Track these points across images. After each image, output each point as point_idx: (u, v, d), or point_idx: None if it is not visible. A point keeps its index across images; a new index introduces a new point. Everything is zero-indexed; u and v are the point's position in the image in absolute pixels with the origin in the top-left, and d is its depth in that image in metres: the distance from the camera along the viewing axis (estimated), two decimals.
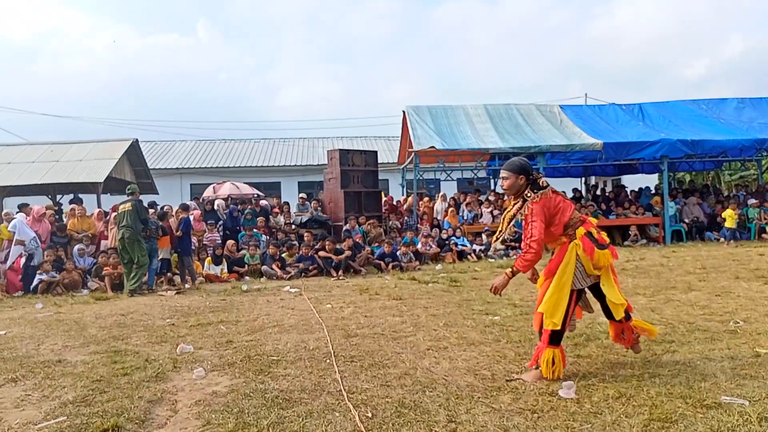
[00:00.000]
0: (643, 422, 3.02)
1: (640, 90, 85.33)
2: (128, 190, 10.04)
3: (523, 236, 3.97)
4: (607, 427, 2.98)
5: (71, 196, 15.78)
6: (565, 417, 3.15)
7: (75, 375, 4.36)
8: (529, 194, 3.93)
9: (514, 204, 4.06)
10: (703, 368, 3.89)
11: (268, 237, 13.00)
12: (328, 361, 4.50)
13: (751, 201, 15.22)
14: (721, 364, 3.97)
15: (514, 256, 12.73)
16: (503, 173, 4.06)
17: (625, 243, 14.46)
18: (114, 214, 11.06)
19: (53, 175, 15.11)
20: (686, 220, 15.07)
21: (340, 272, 10.74)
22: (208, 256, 11.41)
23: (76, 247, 11.13)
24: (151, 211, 10.97)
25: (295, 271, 10.88)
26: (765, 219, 14.36)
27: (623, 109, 16.78)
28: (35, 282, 9.78)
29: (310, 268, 11.08)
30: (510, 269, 3.87)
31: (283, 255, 11.59)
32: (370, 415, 3.30)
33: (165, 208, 12.85)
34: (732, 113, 16.17)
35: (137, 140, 17.71)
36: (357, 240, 12.31)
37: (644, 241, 14.49)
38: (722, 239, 13.87)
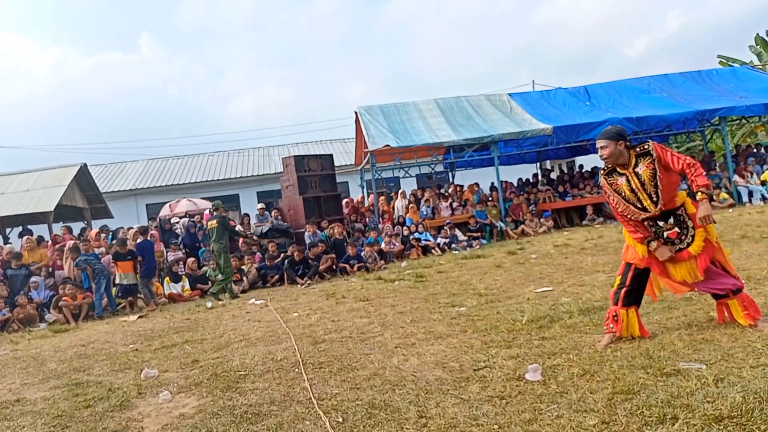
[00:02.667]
0: (608, 396, 3.08)
1: (586, 73, 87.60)
2: (213, 206, 11.16)
3: (684, 166, 3.83)
4: (573, 405, 3.03)
5: (21, 228, 15.26)
6: (533, 400, 3.19)
7: (35, 413, 4.21)
8: (642, 148, 3.93)
9: (641, 167, 3.91)
10: (661, 337, 4.00)
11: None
12: (296, 370, 4.46)
13: None
14: (678, 331, 4.09)
15: (477, 247, 12.88)
16: (601, 143, 3.99)
17: (583, 222, 14.79)
18: (70, 243, 10.91)
19: (0, 208, 14.57)
20: None
21: (306, 279, 10.66)
22: (167, 276, 11.18)
23: (31, 279, 10.75)
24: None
25: (251, 277, 10.97)
26: (713, 187, 14.89)
27: (570, 92, 17.15)
28: None
29: (269, 276, 11.07)
30: (703, 194, 3.74)
31: (242, 267, 11.47)
32: (341, 419, 3.29)
33: (121, 233, 12.56)
34: (674, 88, 16.70)
35: (86, 164, 17.25)
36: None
37: (601, 219, 14.84)
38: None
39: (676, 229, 3.92)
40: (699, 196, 3.79)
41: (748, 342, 3.62)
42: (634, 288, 4.06)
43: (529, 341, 4.38)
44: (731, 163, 15.25)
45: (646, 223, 4.00)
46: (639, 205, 3.93)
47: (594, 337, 4.26)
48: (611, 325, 4.05)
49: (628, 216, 4.01)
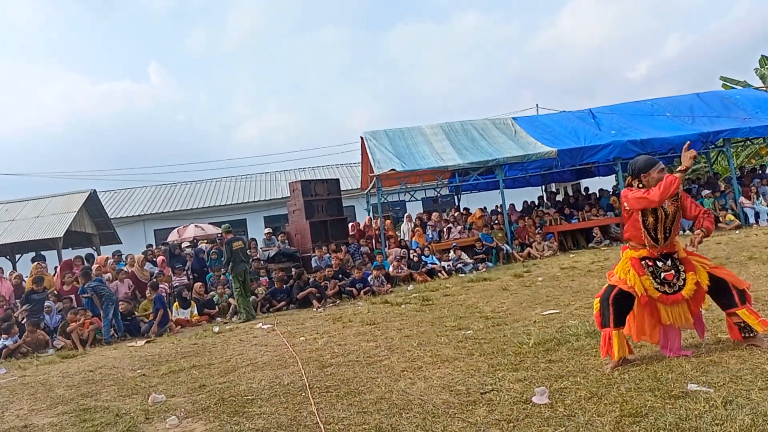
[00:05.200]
0: (615, 419, 3.07)
1: (588, 97, 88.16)
2: (225, 229, 11.28)
3: (699, 213, 4.12)
4: (581, 428, 3.03)
5: (32, 254, 15.37)
6: (540, 423, 3.18)
7: None
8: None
9: (667, 203, 4.05)
10: (669, 360, 3.99)
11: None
12: (303, 394, 4.46)
13: (705, 192, 15.75)
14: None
15: (483, 270, 12.86)
16: (662, 166, 4.08)
17: (590, 245, 14.76)
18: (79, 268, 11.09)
19: (10, 234, 14.74)
20: None
21: (323, 302, 10.66)
22: (176, 301, 11.21)
23: (45, 304, 10.81)
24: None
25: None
26: (719, 208, 14.86)
27: (575, 115, 17.26)
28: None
29: (276, 301, 11.10)
30: (702, 232, 4.04)
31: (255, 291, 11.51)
32: None
33: (129, 258, 12.64)
34: (677, 110, 16.78)
35: (95, 191, 17.46)
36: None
37: (608, 241, 14.80)
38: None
39: (672, 271, 4.08)
40: (697, 231, 4.08)
41: (757, 364, 3.61)
42: (620, 308, 4.11)
43: (536, 364, 4.37)
44: (737, 184, 15.24)
45: (644, 262, 4.13)
46: (653, 235, 4.08)
47: (601, 359, 4.25)
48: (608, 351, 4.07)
49: (641, 241, 4.12)
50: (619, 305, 4.07)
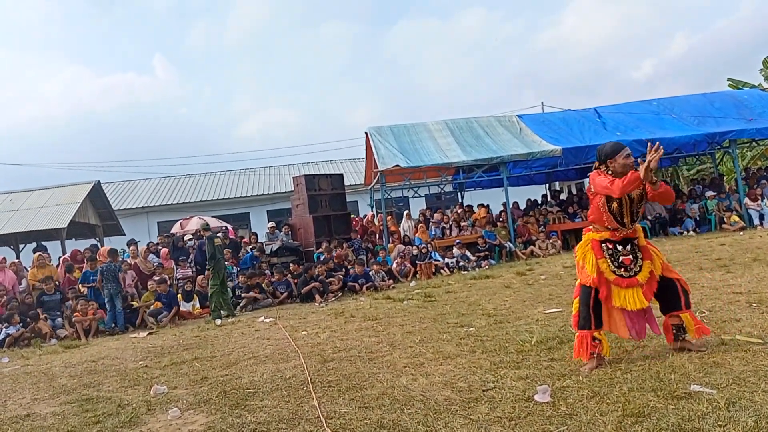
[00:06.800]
0: (617, 419, 3.07)
1: (591, 95, 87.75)
2: (205, 227, 11.74)
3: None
4: (583, 427, 3.02)
5: (34, 244, 15.42)
6: (542, 421, 3.18)
7: (44, 428, 4.24)
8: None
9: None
10: (672, 360, 3.98)
11: (238, 269, 12.86)
12: (305, 388, 4.46)
13: (709, 193, 15.70)
14: (689, 354, 4.06)
15: (486, 267, 12.85)
16: (629, 151, 4.12)
17: None
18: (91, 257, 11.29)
19: (14, 224, 14.79)
20: (649, 217, 15.42)
21: (325, 297, 10.67)
22: (178, 294, 11.23)
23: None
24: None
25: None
26: (723, 210, 14.81)
27: (579, 113, 17.20)
28: (1, 336, 9.46)
29: (279, 293, 11.10)
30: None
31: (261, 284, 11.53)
32: None
33: (131, 248, 12.66)
34: (682, 110, 16.70)
35: (99, 182, 17.48)
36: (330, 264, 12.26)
37: None
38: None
39: (630, 257, 4.15)
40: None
41: (761, 366, 3.60)
42: (599, 310, 4.16)
43: (538, 362, 4.37)
44: (742, 185, 15.18)
45: (606, 245, 4.19)
46: (619, 219, 4.15)
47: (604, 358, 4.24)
48: (593, 351, 4.09)
49: (604, 224, 4.20)
50: (598, 307, 4.15)
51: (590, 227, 4.38)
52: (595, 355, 4.06)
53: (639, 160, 3.99)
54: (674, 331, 4.14)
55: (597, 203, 4.19)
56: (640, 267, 4.11)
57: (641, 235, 4.25)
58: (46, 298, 10.50)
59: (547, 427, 3.09)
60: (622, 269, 4.11)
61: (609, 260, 4.14)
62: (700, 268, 8.39)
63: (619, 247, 4.16)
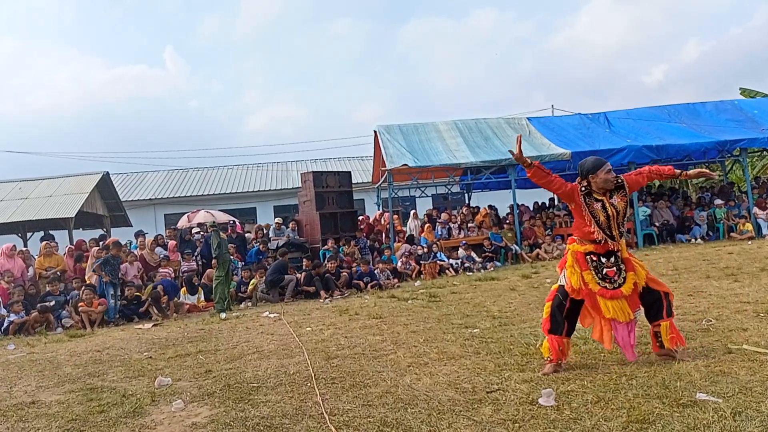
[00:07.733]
0: (622, 425, 3.06)
1: (602, 99, 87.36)
2: (211, 223, 11.92)
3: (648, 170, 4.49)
4: None
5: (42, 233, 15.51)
6: (545, 425, 3.18)
7: (49, 416, 4.26)
8: (617, 181, 4.25)
9: (616, 199, 4.23)
10: (678, 368, 3.96)
11: (243, 263, 12.91)
12: (308, 384, 4.47)
13: (717, 201, 15.60)
14: (695, 362, 4.05)
15: (491, 269, 12.84)
16: (609, 167, 4.25)
17: None
18: (95, 249, 11.42)
19: (22, 212, 14.87)
20: (657, 224, 15.36)
21: (330, 293, 10.69)
22: (183, 286, 11.28)
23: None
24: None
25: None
26: (732, 218, 14.72)
27: (589, 118, 17.13)
28: (5, 323, 9.52)
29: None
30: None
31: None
32: None
33: (140, 239, 12.72)
34: (693, 117, 16.61)
35: (108, 173, 17.54)
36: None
37: None
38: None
39: (614, 269, 4.18)
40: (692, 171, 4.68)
41: (767, 376, 3.58)
42: (572, 319, 4.27)
43: (542, 365, 4.35)
44: (751, 195, 15.09)
45: (590, 257, 4.22)
46: (608, 233, 4.18)
47: (609, 364, 4.24)
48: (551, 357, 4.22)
49: (593, 238, 4.21)
50: (571, 316, 4.24)
51: (575, 238, 4.40)
52: (559, 361, 4.20)
53: None
54: (658, 340, 4.23)
55: (582, 217, 4.24)
56: (624, 279, 4.17)
57: (624, 248, 4.30)
58: (50, 297, 10.52)
59: (551, 430, 3.09)
60: (607, 281, 4.16)
61: (593, 272, 4.18)
62: (708, 276, 8.34)
63: (603, 260, 4.21)
